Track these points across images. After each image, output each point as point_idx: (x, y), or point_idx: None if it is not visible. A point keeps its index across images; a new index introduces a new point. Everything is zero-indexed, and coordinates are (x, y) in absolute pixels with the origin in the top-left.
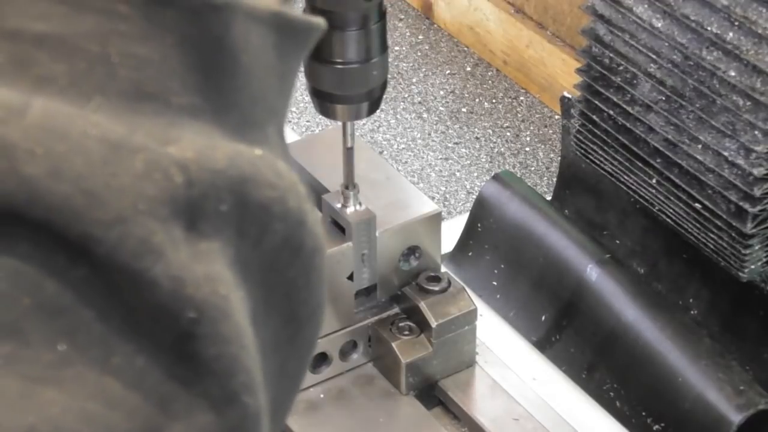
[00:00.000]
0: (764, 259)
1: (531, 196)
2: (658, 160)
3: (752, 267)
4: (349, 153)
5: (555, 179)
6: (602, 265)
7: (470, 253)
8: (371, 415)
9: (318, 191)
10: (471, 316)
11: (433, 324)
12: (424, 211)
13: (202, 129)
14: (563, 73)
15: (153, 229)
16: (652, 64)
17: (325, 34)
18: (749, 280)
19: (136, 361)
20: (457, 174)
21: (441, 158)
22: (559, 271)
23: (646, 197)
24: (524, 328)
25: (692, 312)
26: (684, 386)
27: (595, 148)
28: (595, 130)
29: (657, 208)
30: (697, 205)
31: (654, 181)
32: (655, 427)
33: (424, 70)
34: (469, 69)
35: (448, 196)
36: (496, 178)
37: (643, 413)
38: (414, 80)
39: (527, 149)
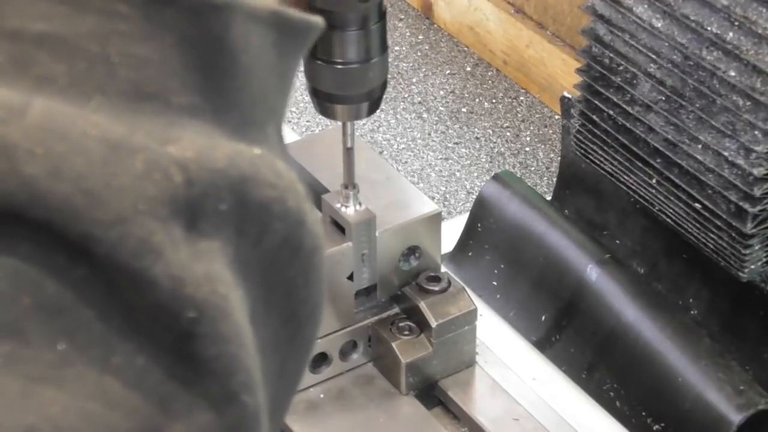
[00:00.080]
0: (764, 259)
1: (531, 196)
2: (658, 160)
3: (752, 267)
4: (349, 153)
5: (555, 179)
6: (602, 265)
7: (470, 253)
8: (371, 415)
9: (318, 191)
10: (471, 316)
11: (433, 324)
12: (424, 211)
13: (201, 128)
14: (563, 73)
15: (153, 228)
16: (652, 64)
17: (325, 34)
18: (749, 280)
19: (136, 361)
20: (457, 174)
21: (441, 158)
22: (559, 271)
23: (646, 197)
24: (524, 328)
25: (692, 312)
26: (684, 386)
27: (595, 148)
28: (595, 130)
29: (657, 208)
30: (697, 205)
31: (654, 181)
32: (655, 427)
33: (424, 70)
34: (469, 69)
35: (448, 196)
36: (496, 178)
37: (643, 413)
38: (414, 80)
39: (527, 149)
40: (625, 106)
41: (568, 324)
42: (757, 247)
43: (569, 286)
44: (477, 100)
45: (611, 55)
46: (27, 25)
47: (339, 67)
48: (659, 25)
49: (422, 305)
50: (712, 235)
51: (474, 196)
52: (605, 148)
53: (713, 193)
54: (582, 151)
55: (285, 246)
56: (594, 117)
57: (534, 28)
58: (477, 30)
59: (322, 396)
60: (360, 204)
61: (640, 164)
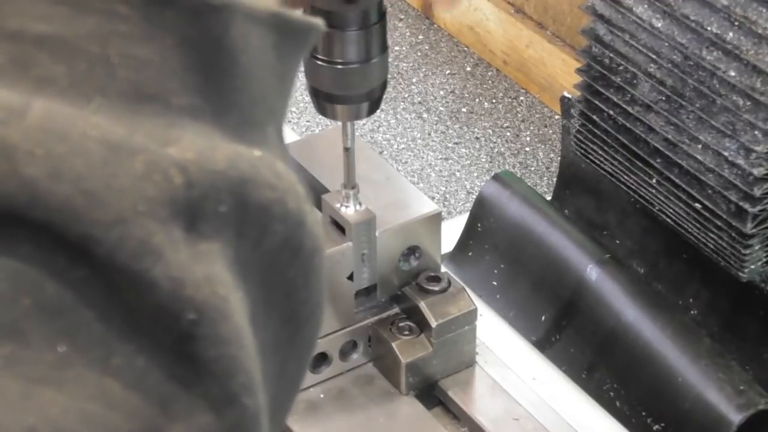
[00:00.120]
0: (764, 259)
1: (531, 196)
2: (658, 160)
3: (752, 267)
4: (349, 153)
5: (555, 179)
6: (602, 265)
7: (470, 253)
8: (371, 415)
9: (318, 191)
10: (471, 316)
11: (433, 324)
12: (424, 211)
13: (201, 130)
14: (563, 73)
15: (153, 230)
16: (652, 64)
17: (326, 33)
18: (749, 280)
19: (136, 362)
20: (457, 174)
21: (441, 158)
22: (559, 271)
23: (646, 197)
24: (524, 328)
25: (692, 312)
26: (684, 386)
27: (595, 148)
28: (595, 130)
29: (657, 208)
30: (697, 205)
31: (654, 181)
32: (655, 427)
33: (424, 70)
34: (469, 69)
35: (448, 196)
36: (496, 178)
37: (643, 413)
38: (414, 80)
39: (527, 149)
40: (625, 106)
41: (568, 324)
42: (757, 247)
43: (569, 286)
44: (477, 100)
45: (611, 55)
46: (27, 26)
47: (339, 67)
48: (659, 25)
49: (422, 305)
50: (712, 235)
51: (474, 196)
52: (605, 148)
53: (713, 193)
54: (582, 151)
55: (285, 247)
56: (594, 117)
57: (534, 28)
58: (477, 30)
59: (322, 396)
60: (360, 204)
61: (640, 164)
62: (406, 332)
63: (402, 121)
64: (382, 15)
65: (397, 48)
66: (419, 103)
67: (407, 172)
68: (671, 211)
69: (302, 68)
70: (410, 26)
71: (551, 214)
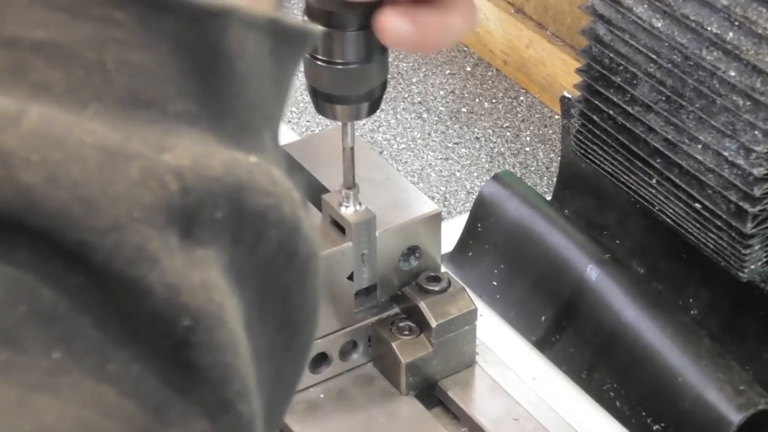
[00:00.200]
0: (764, 259)
1: (531, 196)
2: (658, 160)
3: (752, 267)
4: (349, 153)
5: (555, 179)
6: (602, 265)
7: (470, 253)
8: (371, 415)
9: (318, 191)
10: (471, 316)
11: (433, 324)
12: (424, 211)
13: (198, 136)
14: (563, 73)
15: (148, 236)
16: (652, 64)
17: (325, 34)
18: (749, 280)
19: (132, 369)
20: (457, 174)
21: (441, 158)
22: (559, 271)
23: (646, 197)
24: (524, 328)
25: (692, 312)
26: (684, 386)
27: (595, 148)
28: (595, 130)
29: (657, 208)
30: (697, 205)
31: (654, 181)
32: (655, 427)
33: (424, 70)
34: (469, 69)
35: (448, 196)
36: (496, 178)
37: (643, 413)
38: (414, 80)
39: (527, 149)
40: (625, 106)
41: (568, 324)
42: (757, 247)
43: (569, 286)
44: (477, 100)
45: (611, 55)
46: (23, 32)
47: (339, 67)
48: (659, 25)
49: (422, 305)
50: (712, 235)
51: (474, 196)
52: (605, 148)
53: (713, 193)
54: (582, 151)
55: (280, 253)
56: (594, 117)
57: (534, 28)
58: (477, 30)
59: (322, 396)
60: (360, 204)
61: (640, 164)
62: (406, 332)
63: (402, 121)
64: None
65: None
66: (419, 103)
67: (407, 172)
68: (671, 211)
69: (302, 68)
70: None
71: (551, 214)
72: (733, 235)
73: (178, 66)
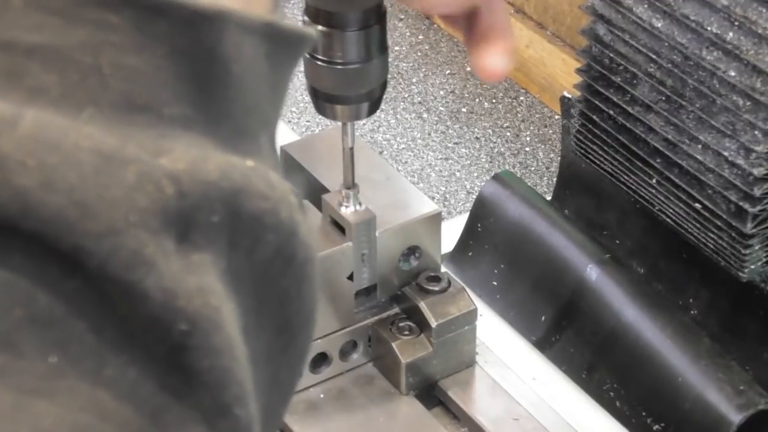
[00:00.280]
0: (764, 259)
1: (531, 196)
2: (658, 160)
3: (752, 267)
4: (349, 153)
5: (555, 179)
6: (602, 265)
7: (470, 253)
8: (371, 415)
9: (318, 191)
10: (471, 316)
11: (433, 324)
12: (424, 211)
13: (194, 140)
14: (563, 73)
15: (145, 240)
16: (652, 64)
17: (325, 34)
18: (749, 280)
19: (128, 373)
20: (457, 174)
21: (441, 158)
22: (559, 271)
23: (646, 197)
24: (524, 328)
25: (692, 312)
26: (684, 386)
27: (595, 148)
28: (595, 130)
29: (657, 208)
30: (697, 205)
31: (654, 181)
32: (655, 427)
33: (424, 70)
34: (469, 69)
35: (448, 196)
36: (496, 178)
37: (643, 413)
38: (414, 80)
39: (527, 149)
40: (625, 106)
41: (568, 324)
42: (757, 247)
43: (569, 286)
44: (477, 100)
45: (611, 55)
46: (19, 37)
47: (339, 67)
48: (659, 25)
49: (422, 305)
50: (712, 235)
51: (474, 196)
52: (605, 148)
53: (713, 193)
54: (582, 151)
55: (277, 257)
56: (594, 117)
57: (534, 28)
58: None
59: (322, 396)
60: (360, 204)
61: (640, 164)
62: (406, 332)
63: (402, 121)
64: (382, 15)
65: (397, 48)
66: (419, 103)
67: (407, 172)
68: (671, 211)
69: (302, 68)
70: (410, 26)
71: (551, 214)
72: (733, 235)
73: (173, 70)
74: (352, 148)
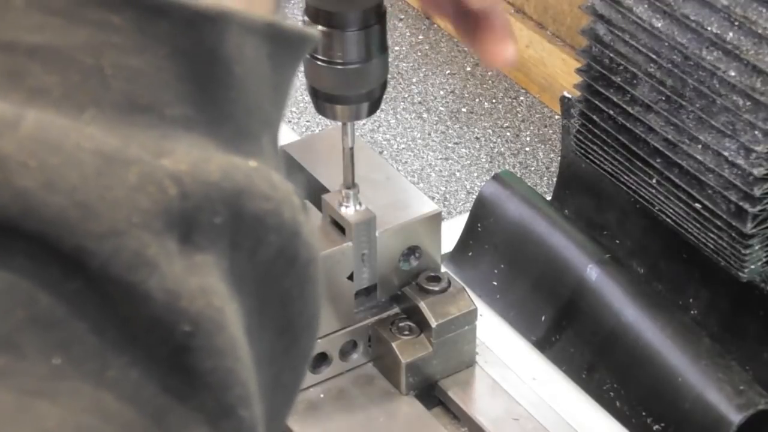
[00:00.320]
0: (764, 259)
1: (531, 196)
2: (658, 160)
3: (752, 267)
4: (349, 153)
5: (555, 179)
6: (602, 265)
7: (470, 253)
8: (371, 415)
9: (318, 191)
10: (471, 316)
11: (433, 324)
12: (424, 211)
13: (196, 141)
14: (563, 73)
15: (147, 241)
16: (652, 64)
17: (326, 34)
18: (749, 280)
19: (131, 374)
20: (457, 174)
21: (441, 158)
22: (559, 271)
23: (646, 197)
24: (524, 328)
25: (692, 312)
26: (684, 386)
27: (595, 148)
28: (595, 130)
29: (657, 208)
30: (697, 205)
31: (654, 181)
32: (655, 427)
33: (424, 70)
34: (469, 69)
35: (448, 196)
36: (496, 178)
37: (643, 413)
38: (414, 80)
39: (527, 149)
40: (625, 106)
41: (567, 324)
42: (757, 247)
43: (569, 286)
44: (477, 100)
45: (611, 55)
46: (20, 37)
47: (339, 67)
48: (659, 25)
49: (422, 305)
50: (712, 235)
51: (474, 196)
52: (605, 148)
53: (713, 193)
54: (582, 151)
55: (280, 258)
56: (594, 117)
57: (534, 28)
58: None
59: (322, 396)
60: (360, 204)
61: (640, 164)
62: (406, 332)
63: (402, 121)
64: (382, 15)
65: (397, 48)
66: (419, 103)
67: (407, 172)
68: (671, 211)
69: (302, 68)
70: (410, 26)
71: (551, 214)
72: (733, 235)
73: (175, 70)
74: (352, 148)
